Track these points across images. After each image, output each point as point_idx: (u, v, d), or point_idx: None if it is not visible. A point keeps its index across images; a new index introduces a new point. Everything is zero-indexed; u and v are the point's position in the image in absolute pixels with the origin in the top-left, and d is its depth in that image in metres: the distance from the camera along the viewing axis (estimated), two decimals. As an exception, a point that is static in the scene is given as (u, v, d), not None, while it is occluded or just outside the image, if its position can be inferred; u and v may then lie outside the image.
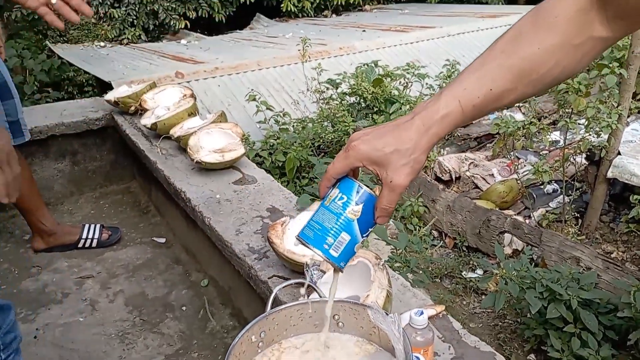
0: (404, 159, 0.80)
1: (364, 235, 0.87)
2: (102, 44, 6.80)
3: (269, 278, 1.58)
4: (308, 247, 0.86)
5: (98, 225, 2.57)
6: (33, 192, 2.38)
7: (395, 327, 0.93)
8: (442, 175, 3.81)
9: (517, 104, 4.24)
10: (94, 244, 2.52)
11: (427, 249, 2.69)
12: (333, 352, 1.07)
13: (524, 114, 4.02)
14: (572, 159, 3.19)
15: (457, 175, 3.81)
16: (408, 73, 4.24)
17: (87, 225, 2.55)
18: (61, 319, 2.12)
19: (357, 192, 0.85)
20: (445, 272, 3.03)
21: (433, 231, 3.41)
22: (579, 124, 3.07)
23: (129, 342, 2.01)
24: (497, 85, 0.79)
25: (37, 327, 2.07)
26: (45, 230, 2.45)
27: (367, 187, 0.85)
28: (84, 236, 2.51)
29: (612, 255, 2.96)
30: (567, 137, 3.23)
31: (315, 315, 1.09)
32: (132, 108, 2.79)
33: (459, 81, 0.81)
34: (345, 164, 0.83)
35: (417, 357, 1.07)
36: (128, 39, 7.25)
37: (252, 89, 3.98)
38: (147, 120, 2.55)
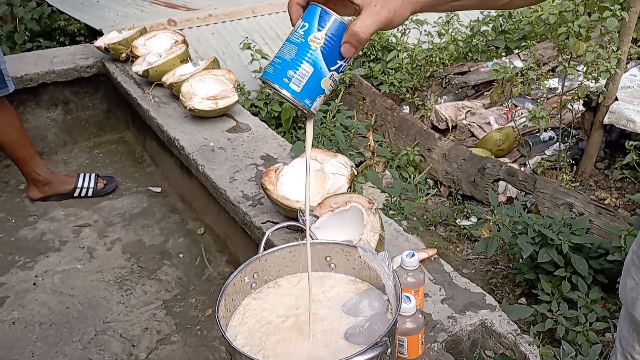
0: None
1: (332, 69, 0.74)
2: (92, -10, 6.58)
3: (262, 223, 1.60)
4: (270, 86, 0.76)
5: (93, 175, 2.57)
6: (24, 141, 2.36)
7: (385, 265, 0.95)
8: (439, 124, 3.78)
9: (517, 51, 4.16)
10: (90, 193, 2.53)
11: (422, 197, 2.70)
12: (326, 288, 1.09)
13: (523, 60, 3.95)
14: (569, 106, 3.15)
15: (454, 124, 3.78)
16: (406, 19, 4.13)
17: (82, 175, 2.55)
18: (60, 267, 2.15)
19: (321, 16, 0.72)
20: (440, 220, 3.06)
21: (429, 180, 3.41)
22: (577, 69, 3.02)
23: (128, 288, 2.05)
24: None
25: (36, 274, 2.10)
26: (39, 179, 2.45)
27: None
28: (80, 185, 2.51)
29: (606, 202, 2.98)
30: (566, 84, 3.18)
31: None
32: (123, 55, 2.74)
33: None
34: None
35: (408, 297, 1.08)
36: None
37: (247, 37, 3.90)
38: (138, 67, 2.50)
